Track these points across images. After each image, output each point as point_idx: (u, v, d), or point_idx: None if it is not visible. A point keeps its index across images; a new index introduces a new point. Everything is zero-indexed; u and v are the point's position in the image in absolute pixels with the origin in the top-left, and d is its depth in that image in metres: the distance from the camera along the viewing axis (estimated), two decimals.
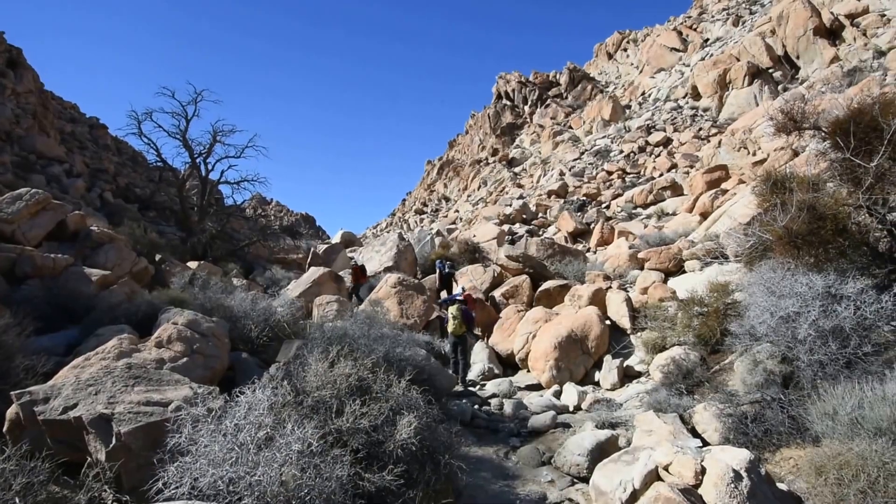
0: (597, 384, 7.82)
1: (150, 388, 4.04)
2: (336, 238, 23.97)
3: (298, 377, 4.17)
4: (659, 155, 28.34)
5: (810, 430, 4.28)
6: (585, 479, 4.78)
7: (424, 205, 61.61)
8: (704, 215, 13.85)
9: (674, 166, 25.33)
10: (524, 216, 25.09)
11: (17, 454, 3.04)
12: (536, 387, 8.10)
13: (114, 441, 3.54)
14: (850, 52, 24.78)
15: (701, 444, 4.75)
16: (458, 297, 8.73)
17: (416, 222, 53.27)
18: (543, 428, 6.12)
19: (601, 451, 5.02)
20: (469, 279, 11.95)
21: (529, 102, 57.25)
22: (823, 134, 6.02)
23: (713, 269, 9.06)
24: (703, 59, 37.62)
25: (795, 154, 11.94)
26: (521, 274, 11.53)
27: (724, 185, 15.42)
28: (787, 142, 10.63)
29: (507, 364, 9.29)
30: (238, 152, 21.20)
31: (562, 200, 26.14)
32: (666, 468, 3.87)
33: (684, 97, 35.26)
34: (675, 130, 31.21)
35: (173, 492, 3.03)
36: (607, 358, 7.99)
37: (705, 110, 32.16)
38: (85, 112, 41.14)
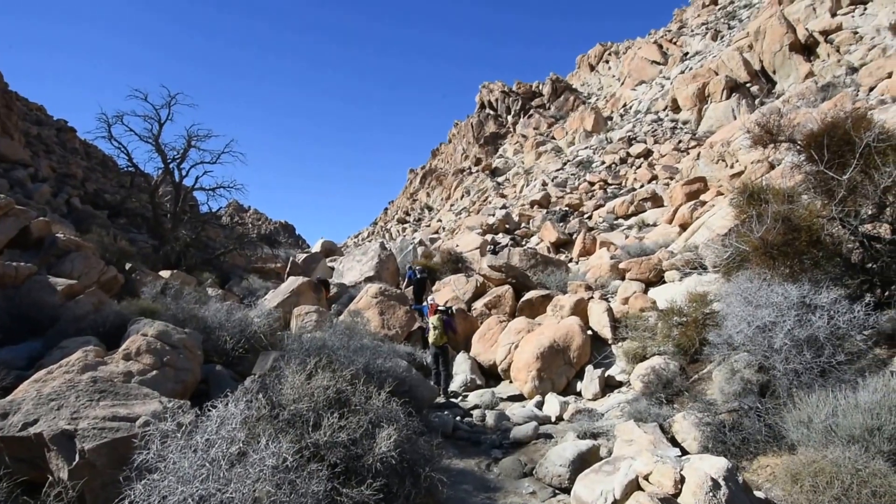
0: (579, 394, 7.83)
1: (117, 402, 3.90)
2: (316, 247, 23.60)
3: (274, 390, 4.07)
4: (640, 166, 28.88)
5: (786, 438, 4.34)
6: (567, 490, 4.75)
7: (407, 214, 61.52)
8: (684, 226, 14.11)
9: (654, 178, 25.83)
10: (507, 226, 25.24)
11: None
12: (519, 397, 8.08)
13: (77, 458, 3.39)
14: (825, 67, 25.71)
15: (680, 454, 4.77)
16: (425, 308, 8.69)
17: (398, 231, 53.16)
18: (525, 439, 6.09)
19: (583, 462, 5.00)
20: (451, 289, 11.91)
21: (512, 112, 57.94)
22: (798, 147, 6.20)
23: (692, 279, 9.21)
24: (682, 72, 38.63)
25: (772, 167, 12.28)
26: (503, 284, 11.56)
27: (702, 197, 15.75)
28: (764, 154, 10.93)
29: (490, 375, 9.25)
30: (214, 158, 20.49)
31: (545, 211, 26.38)
32: (646, 478, 3.87)
33: (664, 110, 36.11)
34: (656, 142, 31.90)
35: None
36: (589, 368, 8.02)
37: (685, 123, 32.97)
38: (52, 115, 38.98)
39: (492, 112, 60.25)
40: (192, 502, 2.92)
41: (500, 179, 45.77)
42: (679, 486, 3.68)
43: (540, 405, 7.45)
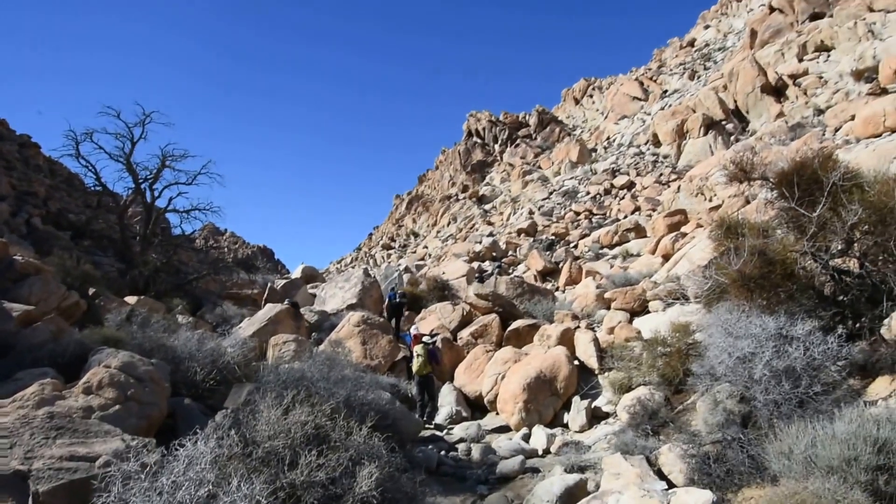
0: (566, 426, 7.77)
1: (76, 440, 3.68)
2: (296, 273, 23.11)
3: (248, 426, 3.88)
4: (623, 197, 29.62)
5: (768, 469, 4.36)
6: None
7: (392, 240, 61.51)
8: (666, 257, 14.42)
9: (637, 209, 26.48)
10: (494, 254, 25.43)
11: None
12: (505, 429, 7.98)
13: (31, 502, 3.21)
14: (794, 108, 27.12)
15: (667, 487, 4.75)
16: (408, 335, 8.65)
17: (383, 258, 52.94)
18: (512, 474, 5.99)
19: (570, 497, 4.94)
20: (437, 317, 11.87)
21: (500, 141, 59.33)
22: (771, 184, 6.47)
23: (675, 309, 9.35)
24: (662, 108, 40.27)
25: (747, 201, 12.74)
26: (490, 313, 11.55)
27: (683, 229, 16.18)
28: (740, 190, 11.34)
29: (476, 406, 9.14)
30: (190, 179, 19.87)
31: (531, 239, 26.72)
32: None
33: (646, 143, 37.38)
34: (638, 174, 32.86)
35: None
36: (576, 399, 7.99)
37: (665, 157, 34.11)
38: (15, 129, 36.49)
39: (479, 140, 61.61)
40: None
41: (487, 207, 46.37)
42: None
43: (527, 438, 7.36)
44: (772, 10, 35.20)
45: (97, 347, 5.90)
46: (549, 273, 20.60)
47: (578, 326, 9.98)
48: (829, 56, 28.46)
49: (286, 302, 12.73)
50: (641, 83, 49.27)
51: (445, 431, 7.97)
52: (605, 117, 50.86)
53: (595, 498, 4.45)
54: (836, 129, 18.84)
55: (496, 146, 59.46)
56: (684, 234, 15.23)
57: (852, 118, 17.73)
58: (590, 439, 7.00)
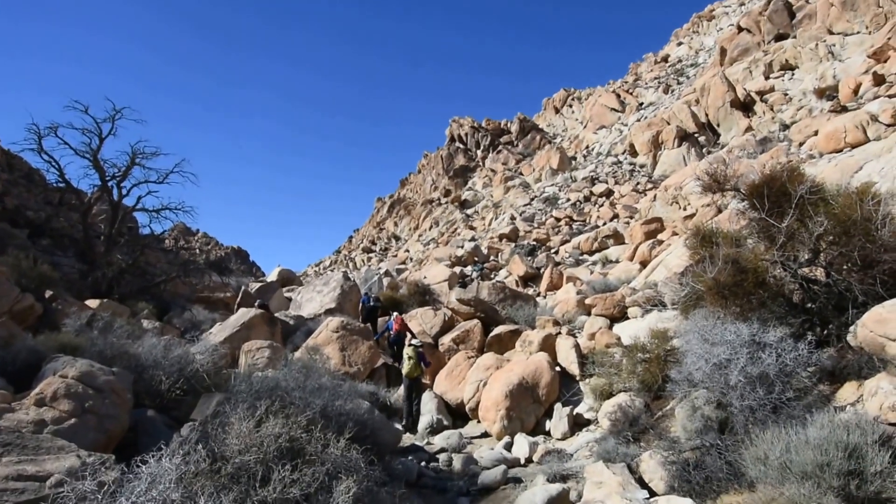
0: (548, 433, 7.78)
1: (24, 457, 3.43)
2: (272, 276, 22.41)
3: (217, 439, 3.67)
4: (602, 205, 30.18)
5: (746, 475, 4.44)
6: None
7: (373, 243, 61.06)
8: (644, 263, 14.70)
9: (616, 216, 27.00)
10: (476, 258, 25.50)
11: None
12: (487, 437, 7.94)
13: None
14: (761, 123, 28.22)
15: (648, 495, 4.80)
16: (390, 326, 8.59)
17: (363, 261, 52.44)
18: (494, 484, 5.94)
19: None
20: (418, 322, 11.78)
21: (482, 147, 59.81)
22: (742, 195, 6.68)
23: (653, 315, 9.52)
24: (638, 120, 41.32)
25: (720, 211, 13.11)
26: (472, 318, 11.53)
27: (660, 236, 16.57)
28: (713, 199, 11.66)
29: (457, 414, 9.06)
30: (161, 177, 18.79)
31: (513, 244, 26.90)
32: None
33: (623, 153, 38.24)
34: (616, 183, 33.55)
35: None
36: (558, 406, 8.02)
37: (642, 166, 34.96)
38: None
39: (461, 145, 61.95)
40: None
41: (469, 211, 46.53)
42: None
43: (509, 446, 7.34)
44: (740, 29, 36.74)
45: (53, 355, 5.49)
46: (531, 278, 20.75)
47: (560, 332, 10.05)
48: (793, 74, 29.83)
49: (256, 304, 12.27)
50: (618, 95, 50.49)
51: (425, 442, 7.86)
52: (585, 127, 51.85)
53: None
54: (801, 144, 19.68)
55: (478, 152, 59.89)
56: (661, 242, 15.58)
57: (815, 134, 18.54)
58: (572, 447, 7.02)
